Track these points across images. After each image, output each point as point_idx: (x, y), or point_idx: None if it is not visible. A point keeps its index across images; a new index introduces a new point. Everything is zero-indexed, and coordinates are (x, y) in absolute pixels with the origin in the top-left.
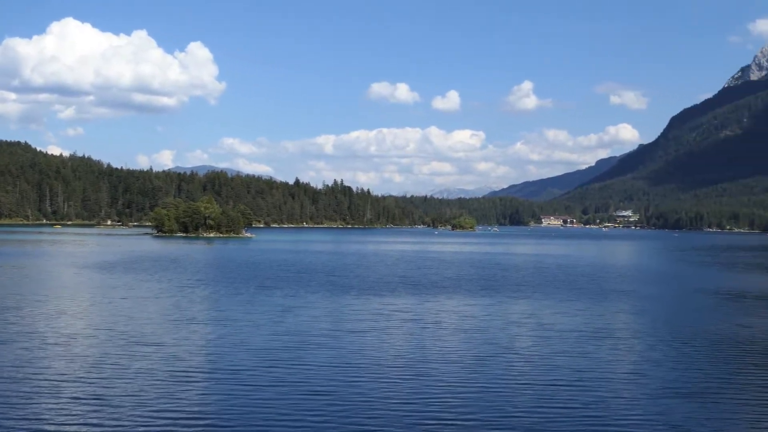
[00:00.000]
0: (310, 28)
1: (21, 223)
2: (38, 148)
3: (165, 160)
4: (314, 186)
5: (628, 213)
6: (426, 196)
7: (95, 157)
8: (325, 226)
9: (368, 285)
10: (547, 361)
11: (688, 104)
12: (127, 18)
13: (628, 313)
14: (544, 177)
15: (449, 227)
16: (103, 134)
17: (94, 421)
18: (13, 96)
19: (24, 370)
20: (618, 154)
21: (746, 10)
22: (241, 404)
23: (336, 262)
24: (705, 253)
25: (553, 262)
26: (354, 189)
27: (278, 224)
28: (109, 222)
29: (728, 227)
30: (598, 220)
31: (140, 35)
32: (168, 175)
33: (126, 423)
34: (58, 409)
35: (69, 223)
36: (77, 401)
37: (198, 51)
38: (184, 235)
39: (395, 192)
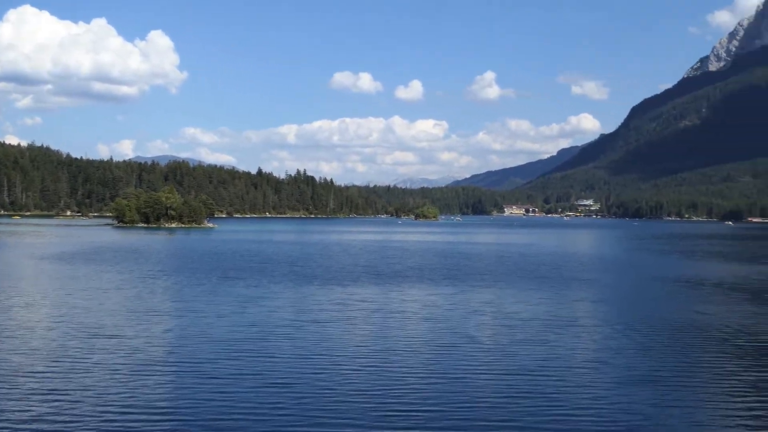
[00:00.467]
0: (272, 17)
1: None
2: None
3: (125, 150)
4: (277, 176)
5: (590, 202)
6: (389, 186)
7: (54, 146)
8: (288, 215)
9: (331, 275)
10: (509, 350)
11: (649, 94)
12: (86, 6)
13: (589, 301)
14: (507, 166)
15: (412, 217)
16: (62, 123)
17: (51, 415)
18: None
19: None
20: (579, 143)
21: (705, 1)
22: (202, 396)
23: (299, 252)
24: (664, 241)
25: (515, 251)
26: (317, 179)
27: (241, 214)
28: (68, 213)
29: (687, 216)
30: (559, 209)
31: (99, 23)
32: (129, 165)
33: (84, 417)
34: (15, 402)
35: (28, 214)
36: (34, 395)
37: (159, 39)
38: (146, 225)
39: (358, 182)
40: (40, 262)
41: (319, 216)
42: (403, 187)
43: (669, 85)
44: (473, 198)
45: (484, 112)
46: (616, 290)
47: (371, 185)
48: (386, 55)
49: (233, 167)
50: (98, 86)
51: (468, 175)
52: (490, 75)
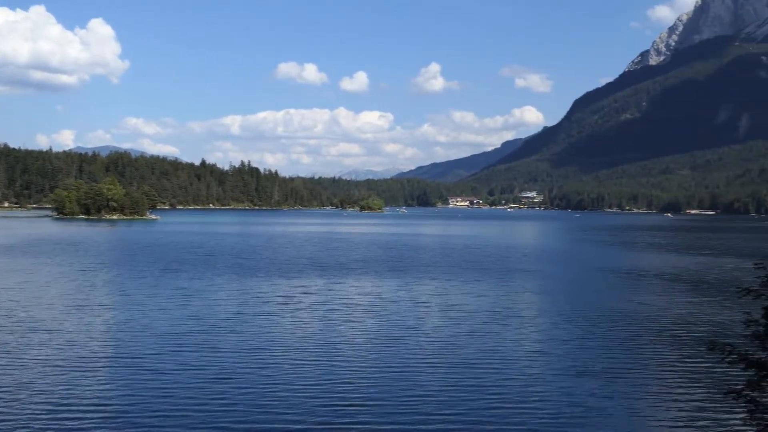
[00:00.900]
0: (216, 5)
1: None
2: None
3: (65, 140)
4: (221, 167)
5: (533, 194)
6: (334, 178)
7: None
8: (232, 207)
9: (276, 267)
10: (454, 341)
11: (591, 88)
12: None
13: (532, 292)
14: (451, 159)
15: (357, 209)
16: None
17: None
18: None
19: None
20: (523, 136)
21: None
22: (144, 390)
23: (243, 243)
24: (605, 233)
25: (459, 243)
26: (261, 170)
27: (184, 206)
28: (6, 204)
29: (628, 208)
30: (503, 201)
31: (38, 11)
32: (69, 156)
33: (21, 413)
34: None
35: None
36: None
37: (99, 28)
38: (86, 217)
39: (303, 173)
40: None
41: (263, 208)
42: (349, 179)
43: (610, 79)
44: (418, 190)
45: (429, 104)
46: (559, 282)
47: (316, 177)
48: (331, 46)
49: (176, 158)
50: (37, 75)
51: (413, 167)
52: (435, 67)
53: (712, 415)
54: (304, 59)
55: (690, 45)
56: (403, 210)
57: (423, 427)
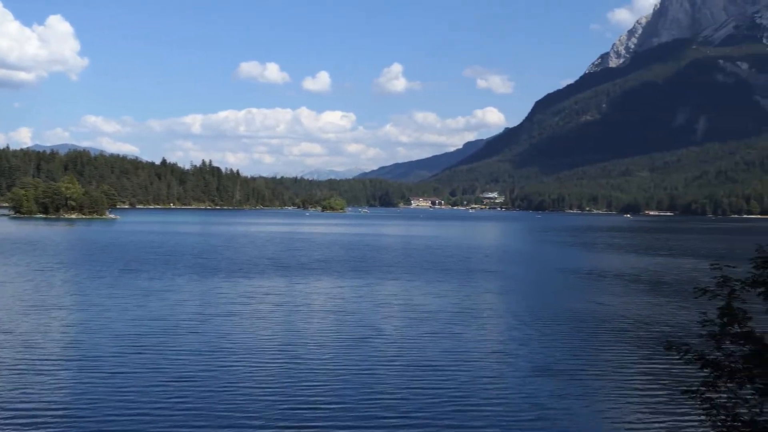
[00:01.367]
0: (178, 3)
1: None
2: None
3: (23, 138)
4: (182, 166)
5: (494, 195)
6: (296, 178)
7: None
8: (193, 207)
9: (237, 267)
10: (416, 342)
11: (552, 89)
12: None
13: (493, 293)
14: (414, 159)
15: (319, 209)
16: None
17: None
18: None
19: None
20: (485, 137)
21: None
22: (103, 393)
23: (204, 243)
24: (566, 233)
25: (421, 243)
26: (223, 170)
27: (144, 205)
28: None
29: (588, 209)
30: (465, 202)
31: None
32: (26, 154)
33: None
34: None
35: None
36: None
37: (58, 25)
38: (44, 216)
39: (265, 173)
40: None
41: (224, 207)
42: (311, 179)
43: (571, 81)
44: (380, 190)
45: (392, 105)
46: (520, 282)
47: (278, 177)
48: (294, 45)
49: (136, 157)
50: None
51: (375, 167)
52: (397, 67)
53: (670, 413)
54: (266, 58)
55: (649, 48)
56: (365, 210)
57: (383, 428)
